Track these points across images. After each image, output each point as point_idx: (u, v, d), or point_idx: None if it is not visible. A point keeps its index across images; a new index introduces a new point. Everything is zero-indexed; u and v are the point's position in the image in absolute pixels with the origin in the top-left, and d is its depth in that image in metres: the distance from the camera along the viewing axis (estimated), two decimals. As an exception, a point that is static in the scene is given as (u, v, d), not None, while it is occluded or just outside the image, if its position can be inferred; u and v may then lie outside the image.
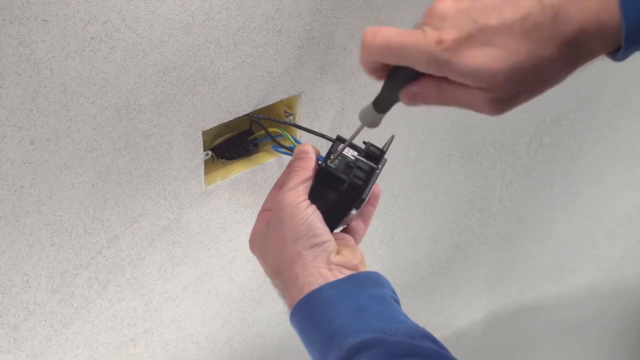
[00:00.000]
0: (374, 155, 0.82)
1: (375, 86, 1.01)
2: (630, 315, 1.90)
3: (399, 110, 1.06)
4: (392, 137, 0.84)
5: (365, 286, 0.74)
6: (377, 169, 0.81)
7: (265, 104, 0.91)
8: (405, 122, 1.08)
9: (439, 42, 0.62)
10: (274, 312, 1.12)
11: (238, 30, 0.83)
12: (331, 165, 0.81)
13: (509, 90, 0.62)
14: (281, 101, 0.93)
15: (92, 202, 0.82)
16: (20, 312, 0.83)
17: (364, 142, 0.83)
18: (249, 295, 1.07)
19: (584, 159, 1.42)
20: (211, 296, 1.02)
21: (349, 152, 0.82)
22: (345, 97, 0.98)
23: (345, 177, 0.80)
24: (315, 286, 0.73)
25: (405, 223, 1.22)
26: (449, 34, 0.61)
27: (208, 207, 0.93)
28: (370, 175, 0.81)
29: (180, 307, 0.99)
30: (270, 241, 0.78)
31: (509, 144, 1.26)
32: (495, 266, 1.46)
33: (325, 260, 0.75)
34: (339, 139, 0.83)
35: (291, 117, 0.94)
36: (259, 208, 0.98)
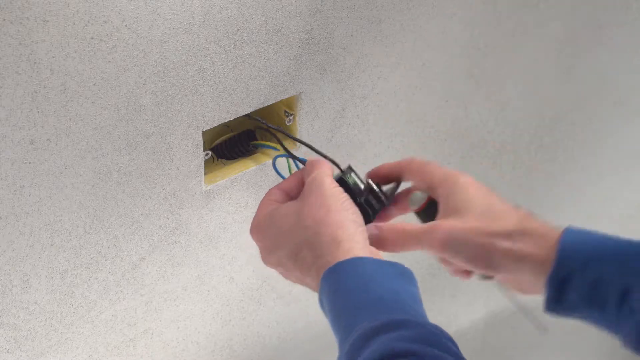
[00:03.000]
0: (379, 195, 0.83)
1: (375, 86, 1.01)
2: (630, 315, 1.90)
3: (399, 110, 1.06)
4: (398, 185, 0.84)
5: (403, 277, 0.73)
6: (386, 204, 0.82)
7: (265, 104, 0.91)
8: (405, 122, 1.08)
9: None
10: (273, 312, 1.12)
11: (238, 30, 0.83)
12: (348, 180, 0.81)
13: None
14: (281, 101, 0.93)
15: (92, 202, 0.82)
16: (20, 312, 0.83)
17: (368, 182, 0.83)
18: (249, 295, 1.07)
19: (584, 159, 1.42)
20: (211, 296, 1.02)
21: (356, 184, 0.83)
22: (345, 97, 0.98)
23: (362, 192, 0.81)
24: (362, 255, 0.72)
25: (405, 223, 1.21)
26: None
27: (208, 207, 0.93)
28: (378, 207, 0.82)
29: (180, 307, 0.99)
30: (307, 209, 0.75)
31: (509, 144, 1.26)
32: (495, 266, 1.46)
33: (364, 240, 0.75)
34: (351, 169, 0.83)
35: (291, 117, 0.94)
36: (259, 208, 0.98)
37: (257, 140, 0.95)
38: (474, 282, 1.53)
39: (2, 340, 0.84)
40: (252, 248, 1.00)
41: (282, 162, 0.92)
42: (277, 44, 0.87)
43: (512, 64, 1.16)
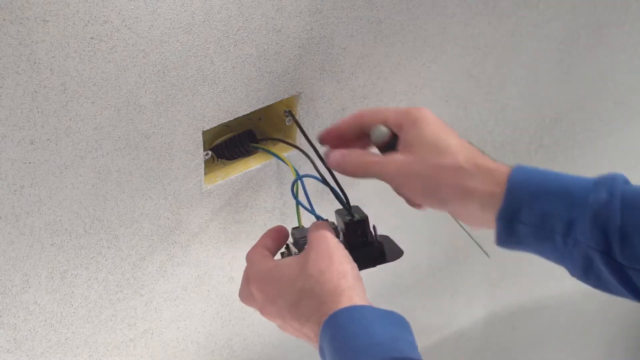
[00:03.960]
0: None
1: (374, 86, 1.01)
2: (630, 315, 1.90)
3: (399, 110, 1.06)
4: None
5: (400, 326, 0.74)
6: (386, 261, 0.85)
7: (266, 104, 0.91)
8: (405, 122, 1.08)
9: None
10: (274, 312, 1.12)
11: (238, 30, 0.83)
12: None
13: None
14: (281, 101, 0.93)
15: (92, 202, 0.82)
16: (20, 312, 0.83)
17: (374, 226, 0.86)
18: (249, 295, 1.07)
19: (584, 159, 1.42)
20: (211, 296, 1.02)
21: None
22: (345, 97, 0.98)
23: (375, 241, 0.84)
24: (365, 303, 0.74)
25: (405, 223, 1.22)
26: None
27: (208, 207, 0.93)
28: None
29: (180, 307, 0.99)
30: (310, 260, 0.77)
31: (509, 144, 1.26)
32: (495, 266, 1.46)
33: (364, 291, 0.77)
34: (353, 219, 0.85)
35: (291, 117, 0.94)
36: (259, 208, 0.98)
37: (257, 141, 0.95)
38: (474, 282, 1.54)
39: (2, 340, 0.84)
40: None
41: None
42: (277, 44, 0.87)
43: (512, 64, 1.16)
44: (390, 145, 0.82)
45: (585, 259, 0.75)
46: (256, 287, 0.81)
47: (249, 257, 0.84)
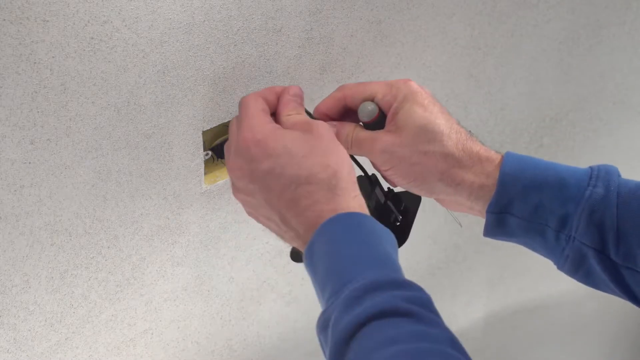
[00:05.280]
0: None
1: (375, 86, 1.00)
2: (630, 315, 1.90)
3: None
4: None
5: (396, 249, 0.72)
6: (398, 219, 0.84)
7: (265, 104, 0.91)
8: (405, 122, 1.08)
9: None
10: (273, 312, 1.12)
11: (238, 30, 0.83)
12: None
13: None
14: (281, 101, 0.93)
15: (92, 202, 0.82)
16: (20, 312, 0.83)
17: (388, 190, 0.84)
18: (249, 295, 1.07)
19: (584, 159, 1.42)
20: (211, 296, 1.02)
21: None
22: (345, 97, 0.98)
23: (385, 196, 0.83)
24: (368, 214, 0.71)
25: (405, 223, 1.21)
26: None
27: (208, 207, 0.93)
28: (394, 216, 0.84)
29: (180, 307, 0.99)
30: (326, 150, 0.72)
31: (509, 144, 1.26)
32: (495, 266, 1.46)
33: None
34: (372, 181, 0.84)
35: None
36: (259, 208, 0.98)
37: None
38: (474, 282, 1.54)
39: (2, 341, 0.84)
40: (252, 248, 1.01)
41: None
42: (277, 44, 0.87)
43: (512, 64, 1.16)
44: (378, 122, 0.81)
45: (577, 255, 0.74)
46: (260, 148, 0.73)
47: (247, 103, 0.75)
